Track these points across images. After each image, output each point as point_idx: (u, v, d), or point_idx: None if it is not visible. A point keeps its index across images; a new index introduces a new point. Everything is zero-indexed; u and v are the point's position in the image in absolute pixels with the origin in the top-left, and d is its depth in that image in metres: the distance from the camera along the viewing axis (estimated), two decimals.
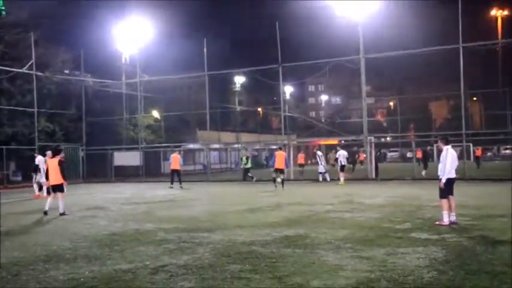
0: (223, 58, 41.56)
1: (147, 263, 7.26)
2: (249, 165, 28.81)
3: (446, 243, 8.09)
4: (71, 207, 15.55)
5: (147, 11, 40.30)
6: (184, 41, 40.25)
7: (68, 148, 32.45)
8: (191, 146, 39.88)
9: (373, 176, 26.41)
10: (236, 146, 41.76)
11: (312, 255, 7.53)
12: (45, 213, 13.39)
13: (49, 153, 21.34)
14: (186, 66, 39.50)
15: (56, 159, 13.65)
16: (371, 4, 26.93)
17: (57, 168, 13.47)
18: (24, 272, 6.82)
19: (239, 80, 52.19)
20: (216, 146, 38.09)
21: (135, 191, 22.54)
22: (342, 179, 23.59)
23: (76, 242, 9.13)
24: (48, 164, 13.86)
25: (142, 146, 34.23)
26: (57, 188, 13.59)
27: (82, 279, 6.35)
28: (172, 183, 23.95)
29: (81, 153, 33.59)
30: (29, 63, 30.96)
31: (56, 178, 13.48)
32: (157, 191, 22.29)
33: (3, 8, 34.27)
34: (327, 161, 31.32)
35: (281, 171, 21.25)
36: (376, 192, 18.44)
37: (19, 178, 33.72)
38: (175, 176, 24.15)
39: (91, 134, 34.81)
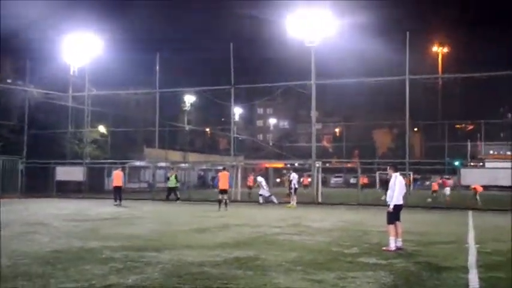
0: (174, 76, 41.29)
1: (93, 282, 7.01)
2: (173, 184, 27.70)
3: (394, 268, 8.28)
4: (8, 223, 14.84)
5: (99, 23, 39.60)
6: (136, 57, 39.82)
7: (5, 160, 31.04)
8: (137, 163, 39.16)
9: (320, 200, 26.76)
10: (183, 165, 41.35)
11: (263, 277, 7.50)
12: None
13: None
14: (136, 82, 39.04)
15: None
16: (323, 29, 27.56)
17: None
18: None
19: (189, 99, 52.01)
20: (163, 164, 37.56)
21: (78, 207, 21.80)
22: (294, 202, 23.70)
23: (16, 259, 8.69)
24: None
25: (86, 161, 33.26)
26: None
27: None
28: (116, 201, 23.38)
29: (21, 166, 32.19)
30: None
31: None
32: (101, 208, 21.65)
33: None
34: (283, 184, 31.32)
35: (225, 191, 21.19)
36: (322, 216, 18.69)
37: None
38: (118, 193, 23.62)
39: (33, 146, 33.47)
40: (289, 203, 24.03)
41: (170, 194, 27.34)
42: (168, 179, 28.76)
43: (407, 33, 26.03)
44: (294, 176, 24.55)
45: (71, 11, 37.98)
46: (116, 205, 22.86)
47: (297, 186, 24.56)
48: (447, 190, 29.71)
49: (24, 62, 34.51)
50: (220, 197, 21.06)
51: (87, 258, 8.85)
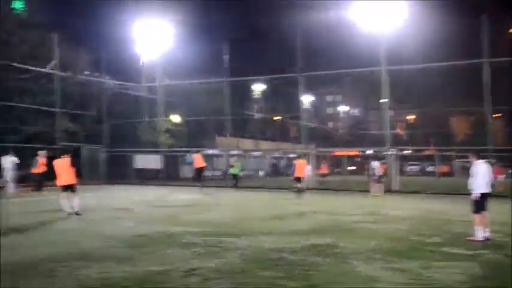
0: (243, 64, 41.48)
1: (178, 265, 7.23)
2: (237, 171, 28.69)
3: (481, 259, 7.92)
4: (95, 208, 15.65)
5: (168, 13, 40.31)
6: (205, 45, 40.34)
7: (89, 149, 32.74)
8: (210, 151, 39.89)
9: (397, 188, 25.84)
10: (256, 153, 41.70)
11: (343, 264, 7.43)
12: (69, 214, 13.32)
13: (42, 152, 22.12)
14: (207, 71, 39.56)
15: (67, 160, 13.66)
16: (394, 17, 26.70)
17: (69, 169, 13.56)
18: (59, 269, 6.85)
19: (259, 87, 52.20)
20: (235, 152, 38.05)
21: (157, 194, 22.58)
22: (379, 190, 22.80)
23: (104, 242, 9.15)
24: (56, 165, 13.67)
25: (162, 149, 34.36)
26: (70, 188, 13.53)
27: (114, 279, 6.33)
28: (202, 187, 23.87)
29: (102, 155, 33.78)
30: (52, 64, 31.34)
31: (67, 178, 13.47)
32: (179, 195, 22.32)
33: (24, 7, 34.76)
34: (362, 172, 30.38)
35: (300, 179, 21.13)
36: (399, 204, 18.19)
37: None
38: (199, 176, 24.07)
39: (112, 136, 35.00)
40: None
41: (237, 181, 28.05)
42: (231, 166, 29.39)
43: (486, 14, 24.62)
44: (375, 165, 23.61)
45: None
46: (205, 193, 22.85)
47: (381, 173, 23.53)
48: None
49: (99, 54, 36.02)
50: (296, 184, 21.08)
51: (170, 243, 9.15)
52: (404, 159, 51.71)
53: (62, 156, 13.83)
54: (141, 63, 36.12)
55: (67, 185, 13.45)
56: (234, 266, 7.30)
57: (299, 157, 22.75)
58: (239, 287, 6.15)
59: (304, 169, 21.22)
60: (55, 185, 14.09)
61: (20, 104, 31.36)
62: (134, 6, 37.36)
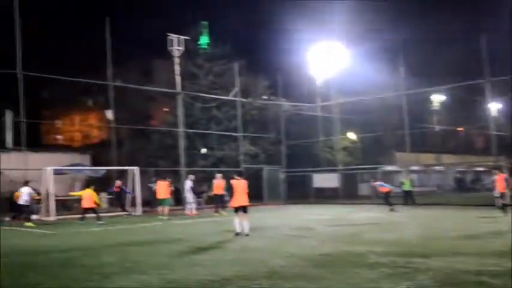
0: (419, 75, 39.70)
1: (367, 286, 7.01)
2: (408, 187, 26.96)
3: None
4: (279, 226, 16.18)
5: (340, 34, 40.49)
6: (377, 61, 39.45)
7: (269, 170, 34.19)
8: (388, 168, 38.72)
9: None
10: (437, 168, 39.32)
11: None
12: (237, 234, 13.49)
13: (219, 175, 23.38)
14: (380, 85, 38.69)
15: (243, 182, 13.82)
16: None
17: (245, 191, 13.70)
18: (252, 287, 7.10)
19: (437, 98, 49.40)
20: (415, 168, 36.35)
21: (336, 213, 22.56)
22: None
23: (291, 260, 9.29)
24: (235, 186, 13.81)
25: (339, 168, 34.36)
26: (243, 209, 13.63)
27: None
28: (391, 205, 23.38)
29: (281, 175, 34.97)
30: (234, 91, 33.64)
31: (242, 200, 13.58)
32: (359, 213, 22.01)
33: (208, 42, 37.97)
34: None
35: (503, 195, 19.37)
36: None
37: (227, 198, 36.39)
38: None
39: (290, 156, 36.11)
40: None
41: (408, 198, 26.63)
42: (402, 183, 28.08)
43: None
44: None
45: (318, 20, 39.62)
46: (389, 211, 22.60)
47: None
48: None
49: (275, 78, 37.60)
50: (499, 200, 19.41)
51: (355, 262, 8.95)
52: None
53: (236, 178, 13.97)
54: (315, 84, 36.76)
55: (240, 206, 13.58)
56: None
57: (498, 170, 20.89)
58: None
59: (504, 183, 19.41)
60: (230, 206, 14.58)
61: (206, 131, 34.21)
62: (305, 33, 38.40)
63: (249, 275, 7.92)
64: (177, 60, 31.30)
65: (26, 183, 21.86)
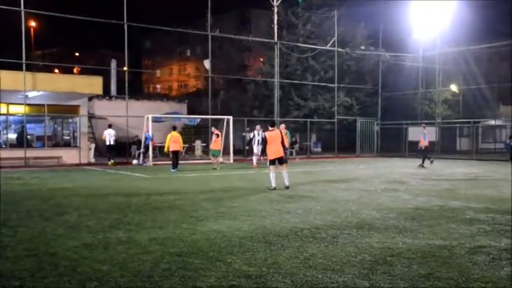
0: None
1: (462, 241, 6.83)
2: None
3: None
4: (371, 179, 16.03)
5: None
6: (487, 6, 36.63)
7: (363, 122, 33.60)
8: (492, 122, 36.53)
9: None
10: None
11: None
12: (273, 189, 12.74)
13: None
14: (491, 35, 36.00)
15: (276, 132, 13.16)
16: None
17: (279, 142, 13.00)
18: (341, 236, 7.20)
19: None
20: None
21: (432, 167, 21.84)
22: None
23: (383, 213, 9.24)
24: (268, 137, 13.15)
25: (438, 121, 32.96)
26: (279, 161, 13.07)
27: (397, 250, 6.34)
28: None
29: (376, 128, 34.25)
30: (332, 41, 32.91)
31: (277, 151, 12.97)
32: (456, 169, 21.21)
33: None
34: None
35: None
36: None
37: (319, 149, 36.49)
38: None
39: (385, 108, 35.15)
40: None
41: None
42: (510, 137, 26.03)
43: None
44: None
45: None
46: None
47: None
48: None
49: (376, 28, 36.22)
50: None
51: (451, 218, 8.73)
52: None
53: (271, 129, 13.32)
54: (418, 33, 34.86)
55: (275, 158, 13.00)
56: None
57: None
58: None
59: None
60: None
61: (302, 82, 34.04)
62: None
63: (339, 225, 8.01)
64: (275, 10, 31.04)
65: (109, 126, 23.79)
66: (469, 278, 5.21)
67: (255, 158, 23.03)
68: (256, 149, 22.65)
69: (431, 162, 22.42)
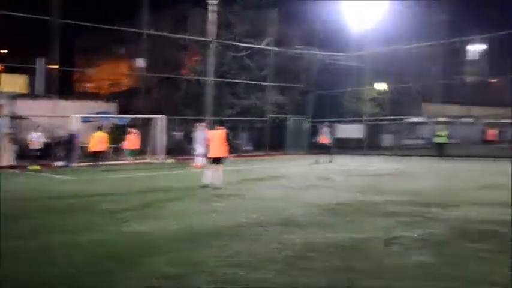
0: (453, 24, 38.48)
1: (380, 234, 7.20)
2: (443, 140, 26.23)
3: None
4: (298, 176, 16.39)
5: None
6: (415, 8, 38.15)
7: (294, 120, 34.21)
8: (414, 119, 38.26)
9: None
10: (465, 120, 38.71)
11: None
12: (204, 186, 12.92)
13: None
14: (419, 34, 37.61)
15: (221, 132, 13.13)
16: None
17: (223, 141, 13.00)
18: (265, 233, 7.36)
19: (474, 47, 48.13)
20: (442, 119, 35.73)
21: (358, 164, 22.65)
22: None
23: (307, 209, 9.51)
24: (210, 136, 13.18)
25: (365, 118, 34.13)
26: (218, 161, 13.01)
27: (317, 245, 6.57)
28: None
29: (306, 125, 34.94)
30: (267, 40, 33.26)
31: (218, 151, 12.93)
32: (380, 164, 22.07)
33: None
34: None
35: None
36: None
37: (250, 148, 36.70)
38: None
39: (317, 107, 35.92)
40: None
41: (441, 150, 26.17)
42: (438, 135, 27.47)
43: None
44: None
45: None
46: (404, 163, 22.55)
47: None
48: None
49: (311, 27, 36.89)
50: None
51: (371, 212, 9.14)
52: None
53: (216, 128, 13.34)
54: (351, 34, 35.76)
55: (216, 157, 12.97)
56: (439, 237, 7.02)
57: None
58: (442, 258, 5.87)
59: None
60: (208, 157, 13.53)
61: (236, 80, 34.14)
62: None
63: (263, 222, 8.18)
64: (212, 8, 30.79)
65: (36, 129, 22.64)
66: (383, 267, 5.53)
67: (198, 158, 21.34)
68: (199, 148, 21.58)
69: (330, 161, 23.76)
